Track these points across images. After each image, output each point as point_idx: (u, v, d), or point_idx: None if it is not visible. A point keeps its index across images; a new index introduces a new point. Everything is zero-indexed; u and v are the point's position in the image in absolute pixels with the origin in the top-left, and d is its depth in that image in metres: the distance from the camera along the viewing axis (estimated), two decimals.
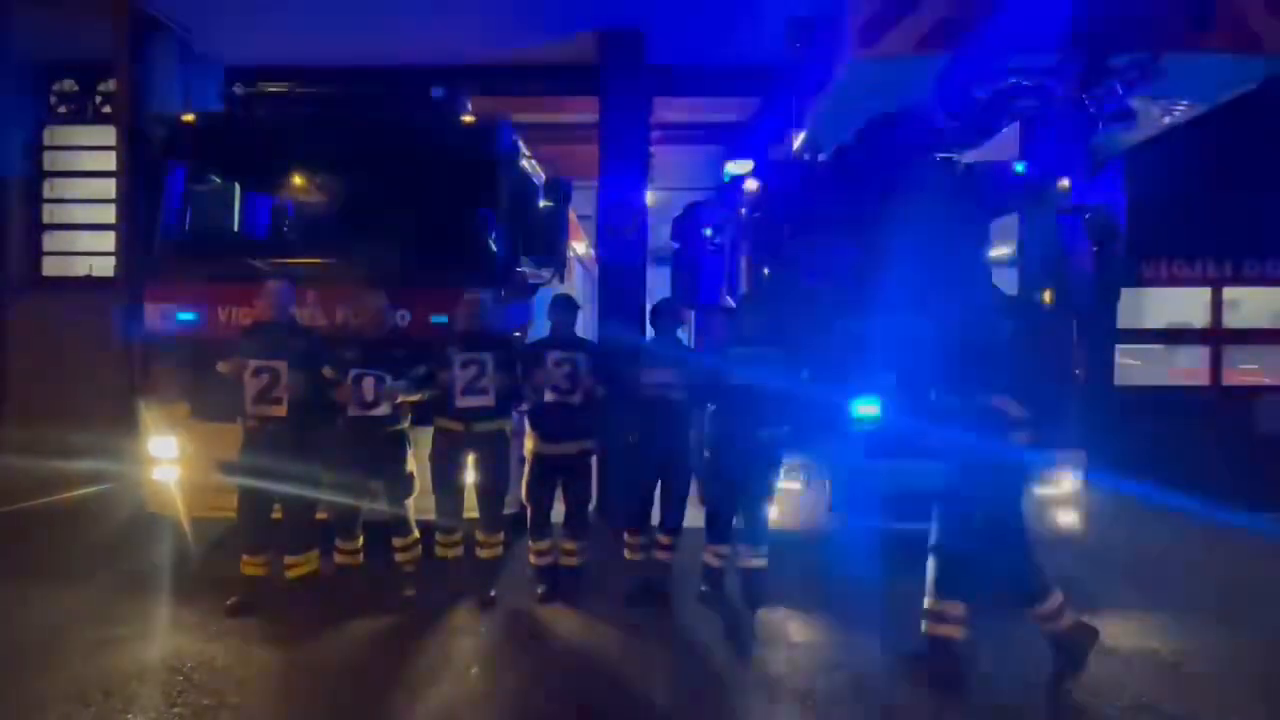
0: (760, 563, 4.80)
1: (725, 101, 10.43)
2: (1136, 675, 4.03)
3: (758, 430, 4.63)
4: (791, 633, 4.51)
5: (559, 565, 4.96)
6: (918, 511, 4.22)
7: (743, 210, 5.71)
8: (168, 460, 5.18)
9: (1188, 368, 9.16)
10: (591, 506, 5.18)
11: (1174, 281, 9.05)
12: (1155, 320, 9.23)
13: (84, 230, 9.80)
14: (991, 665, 4.08)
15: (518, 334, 5.42)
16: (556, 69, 9.31)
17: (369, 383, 4.49)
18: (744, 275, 5.66)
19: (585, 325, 6.44)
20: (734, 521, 4.80)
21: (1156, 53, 4.11)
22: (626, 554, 5.02)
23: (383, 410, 4.55)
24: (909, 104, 5.16)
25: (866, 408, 5.09)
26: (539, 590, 4.89)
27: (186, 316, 5.27)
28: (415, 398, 4.66)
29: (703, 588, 4.91)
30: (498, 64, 9.27)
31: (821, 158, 6.55)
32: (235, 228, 5.81)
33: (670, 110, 10.33)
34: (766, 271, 5.64)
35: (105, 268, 9.51)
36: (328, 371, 4.55)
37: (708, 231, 6.37)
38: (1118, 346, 8.87)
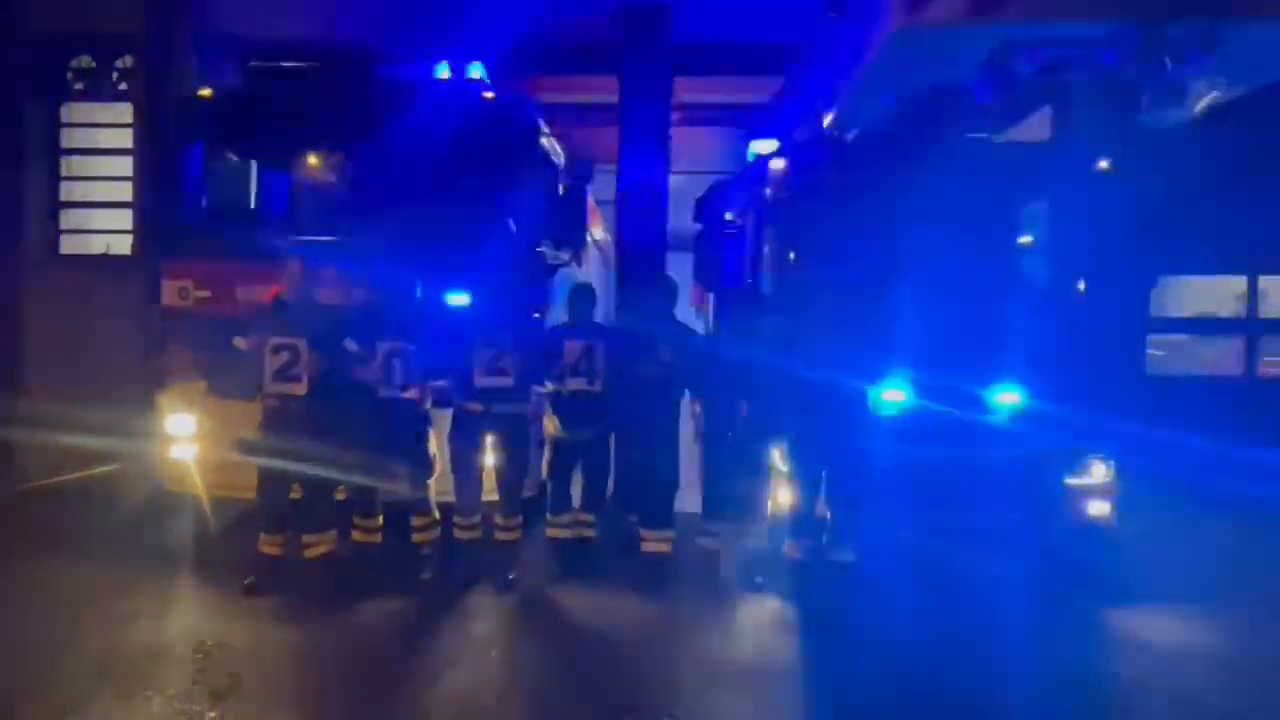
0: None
1: (748, 81, 10.25)
2: (1175, 669, 3.92)
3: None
4: (824, 619, 4.39)
5: (580, 538, 5.01)
6: (944, 499, 4.11)
7: (768, 191, 5.57)
8: (186, 438, 5.15)
9: (1221, 357, 8.95)
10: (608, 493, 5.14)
11: (1208, 269, 8.82)
12: (1189, 309, 9.00)
13: (101, 208, 9.77)
14: (1034, 656, 4.00)
15: (536, 315, 5.34)
16: (577, 47, 9.16)
17: (396, 365, 4.46)
18: (768, 258, 5.53)
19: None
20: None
21: (1214, 22, 3.93)
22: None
23: (410, 394, 4.52)
24: (949, 80, 4.98)
25: (893, 393, 4.97)
26: (556, 564, 4.92)
27: (204, 294, 5.23)
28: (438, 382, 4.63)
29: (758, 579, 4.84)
30: (519, 41, 9.11)
31: (850, 136, 6.39)
32: (252, 204, 5.75)
33: (691, 91, 10.16)
34: (792, 255, 5.51)
35: (123, 245, 9.48)
36: (350, 345, 4.50)
37: (730, 215, 6.24)
38: (1150, 335, 8.66)
